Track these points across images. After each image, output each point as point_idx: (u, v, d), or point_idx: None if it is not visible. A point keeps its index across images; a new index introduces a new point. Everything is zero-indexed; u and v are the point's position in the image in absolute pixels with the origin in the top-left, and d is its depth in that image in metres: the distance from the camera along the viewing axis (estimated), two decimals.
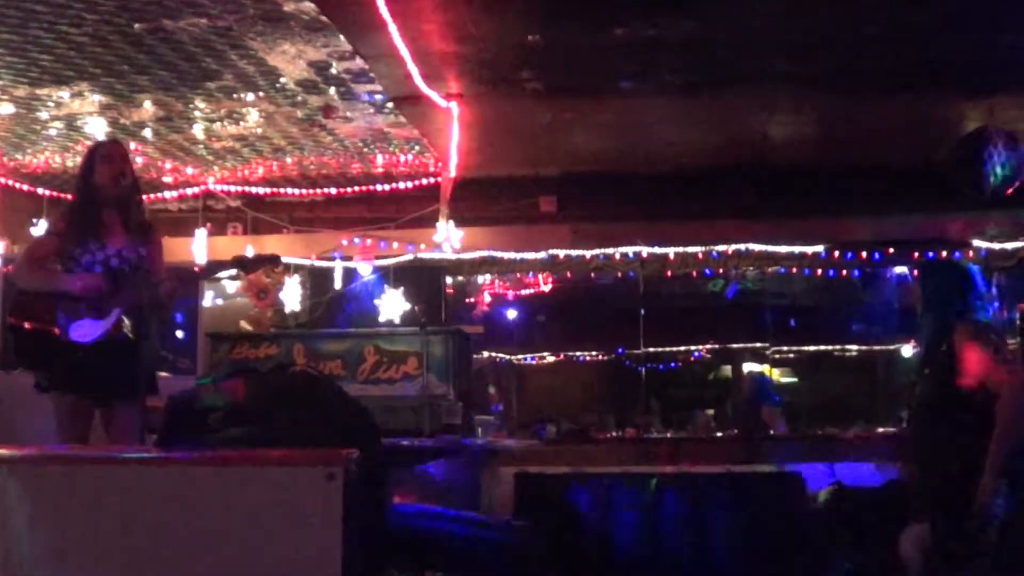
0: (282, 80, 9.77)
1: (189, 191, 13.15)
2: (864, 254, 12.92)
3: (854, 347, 19.76)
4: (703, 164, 12.53)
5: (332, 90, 10.07)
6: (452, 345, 10.96)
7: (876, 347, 19.20)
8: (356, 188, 13.15)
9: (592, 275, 13.71)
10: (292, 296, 12.99)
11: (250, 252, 10.49)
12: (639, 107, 10.71)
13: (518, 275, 14.52)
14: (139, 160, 11.88)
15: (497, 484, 10.19)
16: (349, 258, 13.16)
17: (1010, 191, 10.63)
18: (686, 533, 10.01)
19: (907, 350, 18.35)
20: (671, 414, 17.51)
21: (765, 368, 18.48)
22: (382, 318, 12.51)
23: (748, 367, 19.79)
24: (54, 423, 6.67)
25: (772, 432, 14.02)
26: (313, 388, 5.24)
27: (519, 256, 13.25)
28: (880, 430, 14.09)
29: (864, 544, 8.88)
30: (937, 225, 12.68)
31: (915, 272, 12.82)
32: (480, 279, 14.88)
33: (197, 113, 10.72)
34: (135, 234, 6.91)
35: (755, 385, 16.43)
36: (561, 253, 13.19)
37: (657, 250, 13.06)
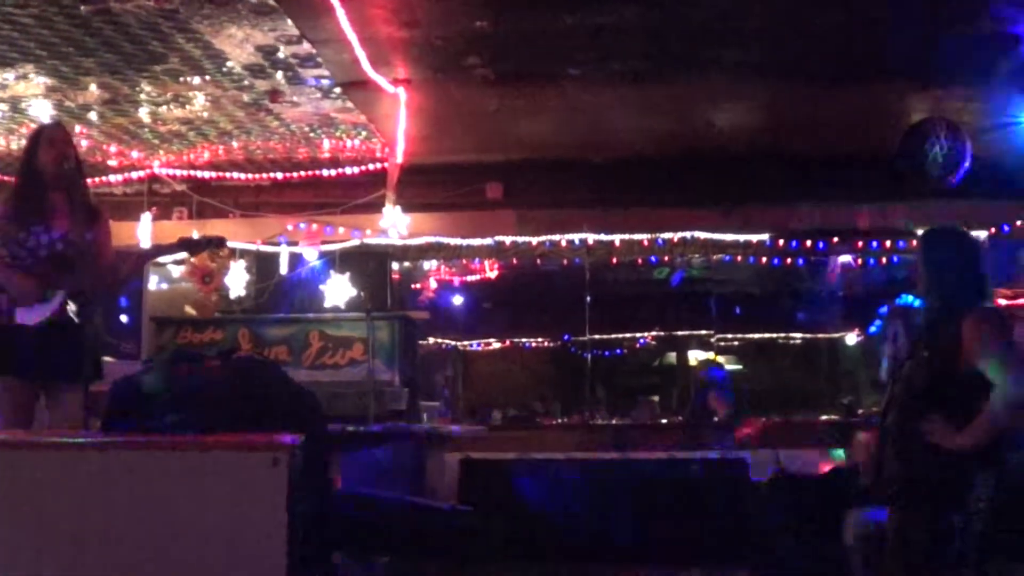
0: (229, 64, 9.73)
1: (134, 175, 13.07)
2: (809, 243, 13.02)
3: (798, 335, 19.93)
4: (650, 152, 12.57)
5: (279, 74, 10.03)
6: (398, 331, 10.96)
7: (820, 335, 19.37)
8: (302, 173, 13.10)
9: (538, 261, 13.74)
10: (237, 281, 12.94)
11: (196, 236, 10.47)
12: (587, 94, 10.72)
13: (464, 261, 14.52)
14: (84, 143, 11.80)
15: (442, 470, 10.21)
16: (295, 243, 13.13)
17: (954, 181, 10.73)
18: (630, 519, 10.06)
19: (851, 338, 18.53)
20: (616, 400, 17.61)
21: (711, 355, 18.60)
22: (328, 303, 12.49)
23: (694, 354, 19.92)
24: None
25: (716, 419, 14.10)
26: (258, 373, 5.24)
27: (465, 242, 13.26)
28: (823, 417, 14.21)
29: (806, 531, 8.94)
30: (883, 214, 12.79)
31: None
32: (426, 265, 14.89)
33: (143, 96, 10.65)
34: (81, 217, 6.87)
35: (708, 373, 16.53)
36: (507, 239, 13.21)
37: (603, 237, 13.10)
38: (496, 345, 20.55)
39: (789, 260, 13.74)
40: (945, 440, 5.67)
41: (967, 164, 10.64)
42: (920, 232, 6.66)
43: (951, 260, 6.10)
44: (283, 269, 13.15)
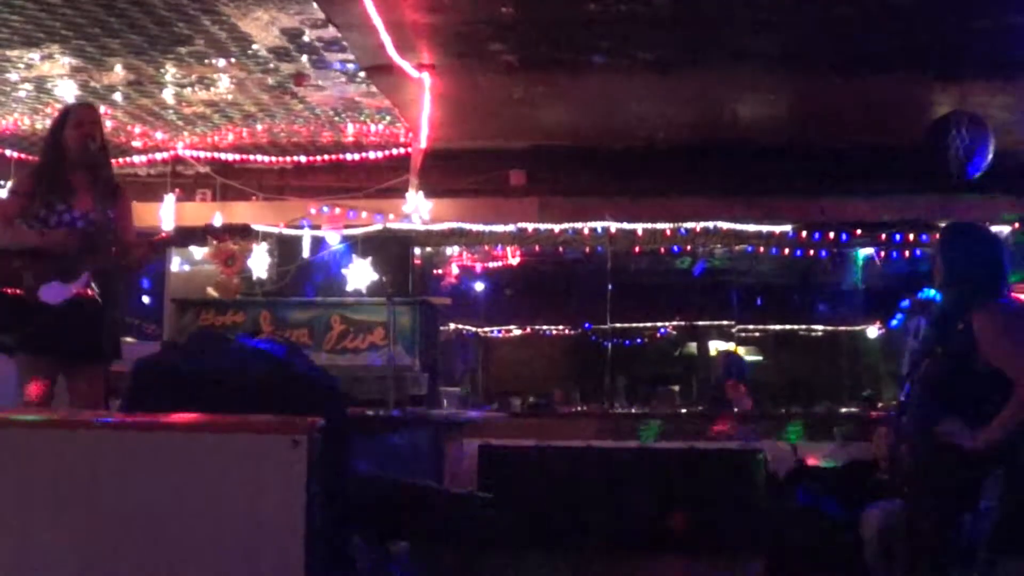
0: (254, 47, 9.73)
1: (158, 156, 13.08)
2: (832, 235, 13.00)
3: (819, 327, 19.89)
4: (673, 141, 12.54)
5: (304, 58, 10.03)
6: (419, 316, 10.96)
7: (841, 327, 19.33)
8: (326, 157, 13.10)
9: (560, 249, 13.75)
10: (259, 264, 12.96)
11: (219, 220, 10.48)
12: (611, 82, 10.71)
13: (486, 247, 14.56)
14: (109, 124, 11.81)
15: (461, 456, 10.22)
16: (317, 227, 13.13)
17: (975, 175, 10.67)
18: (649, 508, 10.07)
19: (872, 331, 18.48)
20: (636, 390, 17.61)
21: (731, 346, 18.60)
22: (349, 287, 12.48)
23: (715, 344, 19.90)
24: (15, 385, 6.65)
25: (736, 409, 14.08)
26: (279, 356, 5.23)
27: (488, 228, 13.27)
28: (843, 410, 14.19)
29: (823, 523, 8.94)
30: (905, 207, 12.75)
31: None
32: (448, 251, 14.91)
33: (168, 78, 10.66)
34: (103, 197, 6.88)
35: (725, 362, 16.53)
36: (530, 227, 13.21)
37: (625, 226, 13.11)
38: (517, 332, 20.54)
39: (811, 252, 13.72)
40: (964, 441, 5.64)
41: (988, 158, 10.58)
42: (941, 226, 6.57)
43: (970, 256, 6.06)
44: (305, 252, 13.16)
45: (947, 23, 9.07)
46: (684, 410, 15.02)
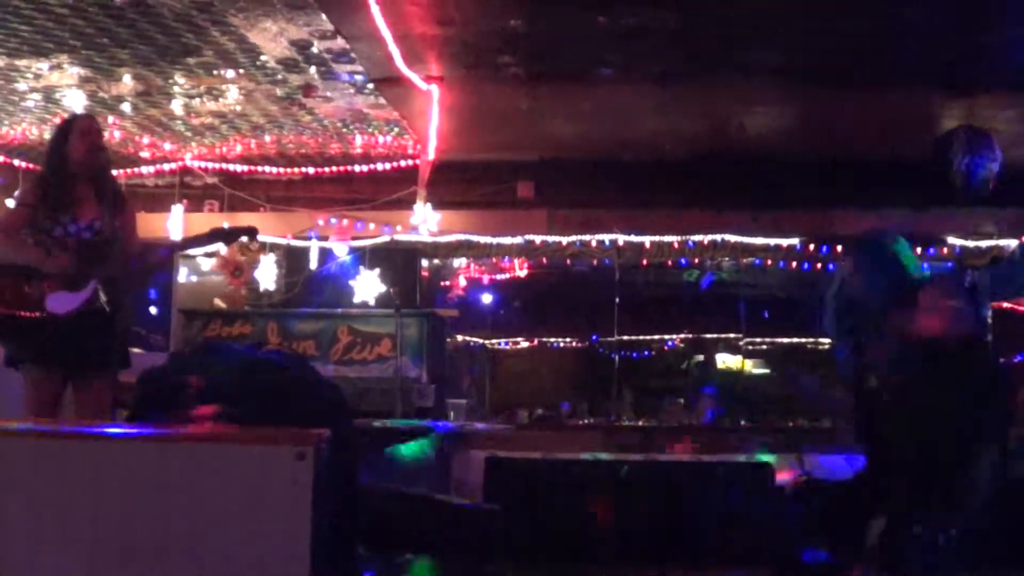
0: (263, 58, 9.74)
1: (166, 167, 13.10)
2: (839, 248, 12.98)
3: (826, 340, 19.82)
4: (681, 153, 12.55)
5: (312, 69, 10.04)
6: (426, 328, 10.96)
7: None
8: (334, 168, 13.11)
9: (568, 261, 13.75)
10: (267, 275, 12.98)
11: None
12: (619, 95, 10.72)
13: (494, 259, 14.55)
14: (117, 134, 11.85)
15: (468, 468, 10.22)
16: (325, 238, 13.16)
17: (980, 192, 10.65)
18: (656, 521, 10.05)
19: None
20: (643, 402, 17.58)
21: (737, 359, 18.58)
22: (357, 299, 12.51)
23: (722, 357, 19.88)
24: (24, 397, 6.65)
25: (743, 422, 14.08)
26: (286, 367, 5.24)
27: (495, 240, 13.28)
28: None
29: (832, 536, 8.92)
30: (914, 221, 12.72)
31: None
32: (456, 262, 14.91)
33: (176, 89, 10.67)
34: (108, 206, 6.88)
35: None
36: (537, 239, 13.23)
37: (633, 238, 13.11)
38: (524, 344, 20.52)
39: (819, 265, 13.71)
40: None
41: (993, 175, 10.55)
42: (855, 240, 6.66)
43: (879, 267, 6.13)
44: (313, 264, 13.19)
45: (955, 37, 9.06)
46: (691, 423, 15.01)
